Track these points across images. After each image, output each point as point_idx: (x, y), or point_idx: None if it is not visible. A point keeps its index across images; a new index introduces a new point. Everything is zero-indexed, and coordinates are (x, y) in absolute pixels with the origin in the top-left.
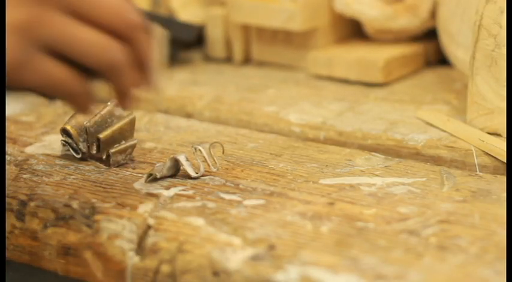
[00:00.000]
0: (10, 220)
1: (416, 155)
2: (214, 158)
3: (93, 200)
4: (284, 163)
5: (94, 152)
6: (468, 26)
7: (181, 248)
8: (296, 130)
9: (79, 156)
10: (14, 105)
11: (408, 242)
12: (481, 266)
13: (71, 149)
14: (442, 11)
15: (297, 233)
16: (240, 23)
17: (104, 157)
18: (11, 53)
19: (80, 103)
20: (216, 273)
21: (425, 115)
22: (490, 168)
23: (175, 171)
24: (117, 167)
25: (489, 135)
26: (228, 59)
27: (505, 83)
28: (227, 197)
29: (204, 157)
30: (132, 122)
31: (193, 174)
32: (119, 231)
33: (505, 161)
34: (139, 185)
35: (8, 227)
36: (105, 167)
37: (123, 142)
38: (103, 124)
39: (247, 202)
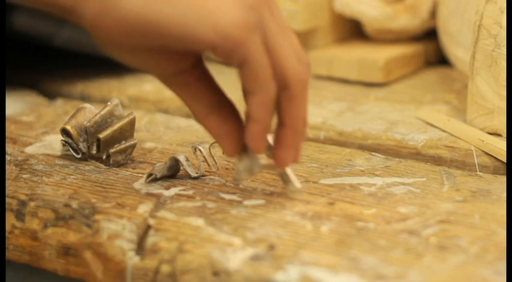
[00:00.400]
0: (10, 220)
1: (416, 155)
2: (214, 158)
3: (93, 200)
4: None
5: (94, 152)
6: (468, 26)
7: (181, 248)
8: None
9: (79, 156)
10: (14, 105)
11: (408, 242)
12: (481, 266)
13: (71, 149)
14: (442, 11)
15: (297, 233)
16: None
17: (104, 157)
18: (245, 13)
19: (266, 104)
20: (216, 273)
21: (425, 115)
22: (490, 168)
23: (175, 171)
24: (117, 167)
25: (489, 135)
26: None
27: (505, 83)
28: (227, 197)
29: (204, 157)
30: (132, 122)
31: (193, 174)
32: (119, 231)
33: (505, 161)
34: (139, 185)
35: (8, 227)
36: (105, 167)
37: (123, 142)
38: (103, 124)
39: (247, 202)
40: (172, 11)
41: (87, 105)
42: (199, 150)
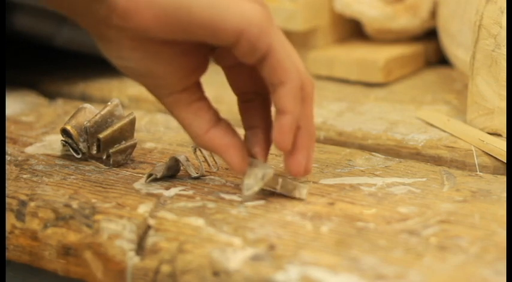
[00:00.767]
0: (10, 220)
1: (417, 155)
2: (214, 158)
3: (93, 200)
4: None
5: (94, 152)
6: (468, 26)
7: (182, 248)
8: None
9: (79, 156)
10: (14, 105)
11: (408, 242)
12: (481, 266)
13: (71, 149)
14: (442, 11)
15: (297, 233)
16: None
17: (104, 157)
18: (265, 8)
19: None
20: (216, 273)
21: (425, 115)
22: (490, 168)
23: (176, 171)
24: (117, 167)
25: (489, 135)
26: None
27: (505, 83)
28: (227, 197)
29: (204, 157)
30: (132, 122)
31: (193, 174)
32: (119, 231)
33: (505, 161)
34: (140, 185)
35: (8, 227)
36: (105, 167)
37: (123, 142)
38: (103, 124)
39: (247, 202)
40: None
41: (87, 105)
42: (199, 150)
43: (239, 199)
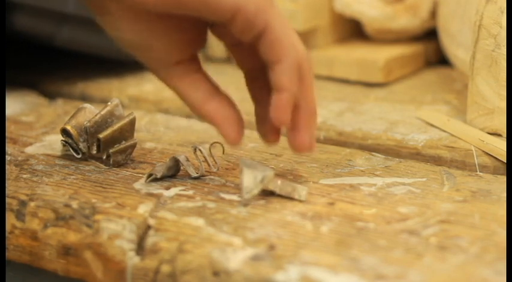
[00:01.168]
0: (10, 220)
1: (417, 155)
2: (215, 158)
3: (93, 200)
4: (284, 163)
5: (94, 152)
6: (468, 26)
7: (182, 248)
8: None
9: (79, 156)
10: (14, 105)
11: (408, 242)
12: (481, 266)
13: (71, 149)
14: (442, 11)
15: (297, 233)
16: None
17: (104, 157)
18: None
19: None
20: (216, 273)
21: (425, 115)
22: (490, 168)
23: (176, 171)
24: (117, 167)
25: (489, 135)
26: (228, 59)
27: (505, 83)
28: (227, 197)
29: (204, 157)
30: (132, 122)
31: (193, 174)
32: (119, 231)
33: (505, 161)
34: (140, 185)
35: (8, 227)
36: (105, 167)
37: (123, 142)
38: (103, 124)
39: (247, 205)
40: None
41: (87, 105)
42: (199, 150)
43: (239, 199)
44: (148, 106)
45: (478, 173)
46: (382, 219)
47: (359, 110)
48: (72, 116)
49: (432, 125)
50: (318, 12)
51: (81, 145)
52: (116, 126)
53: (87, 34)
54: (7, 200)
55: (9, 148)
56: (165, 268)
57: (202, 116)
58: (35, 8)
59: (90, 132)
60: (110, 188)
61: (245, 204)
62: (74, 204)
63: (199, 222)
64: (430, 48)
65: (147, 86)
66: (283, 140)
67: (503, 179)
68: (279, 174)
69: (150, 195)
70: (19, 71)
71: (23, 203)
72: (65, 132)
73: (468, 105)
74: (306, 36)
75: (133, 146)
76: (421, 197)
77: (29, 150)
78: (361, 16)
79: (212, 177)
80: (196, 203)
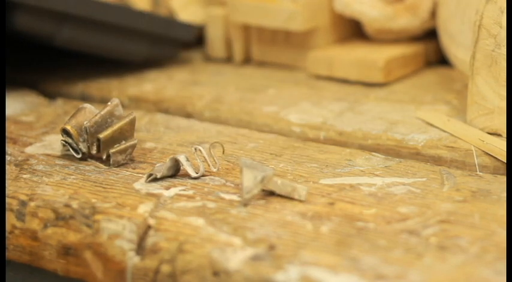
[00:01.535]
0: (10, 220)
1: (417, 155)
2: (215, 158)
3: (93, 200)
4: (284, 163)
5: (94, 152)
6: (468, 26)
7: (182, 248)
8: (296, 130)
9: (79, 156)
10: (14, 105)
11: (408, 242)
12: (481, 266)
13: (71, 149)
14: (442, 11)
15: (297, 233)
16: (240, 23)
17: (104, 157)
18: None
19: None
20: (216, 273)
21: (425, 115)
22: (490, 168)
23: (176, 171)
24: (117, 167)
25: (489, 135)
26: (228, 59)
27: (505, 83)
28: (227, 197)
29: (204, 157)
30: (132, 122)
31: (193, 174)
32: (119, 231)
33: (505, 161)
34: (140, 185)
35: (8, 227)
36: (105, 167)
37: (123, 142)
38: (103, 124)
39: (246, 205)
40: None
41: (87, 105)
42: (199, 150)
43: (239, 199)
44: (148, 106)
45: (478, 173)
46: (382, 219)
47: (359, 110)
48: (72, 116)
49: (432, 125)
50: (318, 12)
51: (81, 145)
52: (116, 126)
53: (87, 34)
54: (7, 200)
55: (9, 148)
56: (165, 268)
57: None
58: (35, 8)
59: (90, 132)
60: (110, 188)
61: (245, 204)
62: (74, 204)
63: (199, 222)
64: (430, 48)
65: (147, 86)
66: (283, 140)
67: (503, 179)
68: (279, 174)
69: (150, 195)
70: (19, 71)
71: (23, 203)
72: (65, 132)
73: (468, 105)
74: (306, 36)
75: (133, 146)
76: (421, 197)
77: (29, 150)
78: (361, 16)
79: (212, 177)
80: (196, 203)
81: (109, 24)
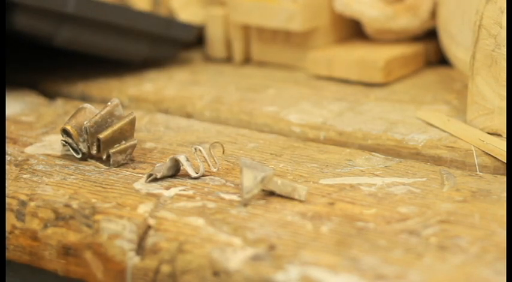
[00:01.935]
0: (10, 220)
1: (417, 155)
2: (215, 158)
3: (93, 200)
4: (284, 163)
5: (94, 152)
6: (468, 26)
7: (182, 248)
8: (296, 130)
9: (79, 156)
10: (14, 105)
11: (408, 242)
12: (481, 266)
13: (71, 149)
14: (442, 11)
15: (297, 233)
16: (240, 23)
17: (104, 157)
18: None
19: None
20: (216, 273)
21: (425, 115)
22: (490, 168)
23: (176, 171)
24: (117, 167)
25: (489, 135)
26: (228, 59)
27: (505, 83)
28: (227, 197)
29: (204, 157)
30: (132, 122)
31: (193, 174)
32: (119, 231)
33: (505, 161)
34: (140, 185)
35: (8, 227)
36: (105, 167)
37: (123, 142)
38: (103, 124)
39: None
40: None
41: (87, 105)
42: (199, 150)
43: (239, 199)
44: (148, 106)
45: (478, 173)
46: (382, 219)
47: (359, 110)
48: (72, 116)
49: (432, 125)
50: (318, 12)
51: (81, 145)
52: (116, 126)
53: (87, 34)
54: (7, 200)
55: (9, 148)
56: (165, 268)
57: None
58: (35, 8)
59: (90, 132)
60: (110, 188)
61: (245, 204)
62: (74, 204)
63: (199, 222)
64: (430, 48)
65: (147, 86)
66: (283, 140)
67: (503, 179)
68: (279, 174)
69: (150, 195)
70: (19, 71)
71: (23, 203)
72: (65, 132)
73: (468, 105)
74: (306, 36)
75: (133, 146)
76: (421, 197)
77: (29, 150)
78: (361, 16)
79: (212, 177)
80: (196, 203)
81: (109, 24)
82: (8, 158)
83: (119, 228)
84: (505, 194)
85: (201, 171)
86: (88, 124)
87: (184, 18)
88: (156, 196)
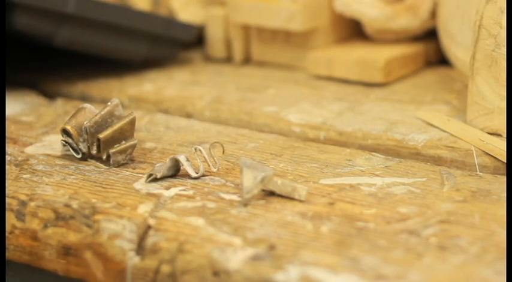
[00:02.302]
0: (10, 220)
1: (417, 155)
2: (215, 158)
3: (93, 200)
4: (284, 163)
5: (94, 152)
6: (468, 26)
7: (182, 248)
8: (296, 130)
9: (79, 156)
10: (14, 105)
11: (408, 242)
12: (481, 266)
13: (71, 149)
14: (442, 11)
15: (297, 233)
16: (240, 23)
17: (104, 157)
18: None
19: None
20: (216, 273)
21: (425, 115)
22: (490, 168)
23: (176, 171)
24: (117, 167)
25: (489, 135)
26: (228, 59)
27: (505, 83)
28: (227, 197)
29: (204, 157)
30: (132, 122)
31: (193, 174)
32: (119, 231)
33: (505, 161)
34: (140, 185)
35: (8, 227)
36: (105, 167)
37: (123, 142)
38: (103, 124)
39: (247, 205)
40: None
41: (87, 105)
42: (200, 150)
43: (239, 199)
44: (148, 106)
45: (478, 173)
46: (382, 219)
47: (359, 110)
48: (72, 116)
49: (432, 125)
50: (318, 12)
51: (81, 145)
52: (116, 126)
53: (87, 34)
54: (7, 200)
55: (9, 148)
56: (165, 268)
57: None
58: (35, 8)
59: (90, 132)
60: (110, 188)
61: (245, 204)
62: (74, 204)
63: (199, 222)
64: (430, 48)
65: (147, 86)
66: (283, 140)
67: (503, 179)
68: (279, 174)
69: (150, 195)
70: (19, 71)
71: (23, 203)
72: (65, 132)
73: (468, 105)
74: (306, 36)
75: (133, 146)
76: (421, 197)
77: (29, 150)
78: (361, 16)
79: (212, 177)
80: (196, 203)
81: (109, 24)
82: (8, 158)
83: (119, 228)
84: (505, 194)
85: (201, 171)
86: (88, 124)
87: (184, 18)
88: (156, 196)
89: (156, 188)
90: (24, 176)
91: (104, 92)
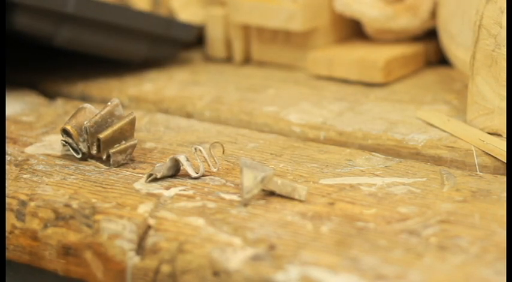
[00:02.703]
0: (10, 220)
1: (417, 155)
2: (215, 158)
3: (93, 200)
4: (284, 163)
5: (94, 152)
6: (468, 26)
7: (182, 248)
8: (296, 130)
9: (79, 156)
10: (14, 105)
11: (408, 242)
12: (481, 266)
13: (71, 149)
14: (442, 11)
15: (297, 233)
16: (240, 23)
17: (104, 157)
18: None
19: None
20: (216, 273)
21: (425, 115)
22: (490, 168)
23: (176, 171)
24: (117, 167)
25: (489, 135)
26: (228, 59)
27: (505, 83)
28: (227, 197)
29: (204, 157)
30: (132, 122)
31: (193, 174)
32: (119, 231)
33: (505, 161)
34: (140, 185)
35: (8, 227)
36: (105, 167)
37: (124, 142)
38: (103, 124)
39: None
40: None
41: (87, 105)
42: (200, 150)
43: (239, 199)
44: (148, 106)
45: (478, 173)
46: (382, 219)
47: (359, 110)
48: (72, 116)
49: (432, 125)
50: (318, 12)
51: (81, 145)
52: (116, 126)
53: (87, 34)
54: (7, 200)
55: (9, 148)
56: (165, 268)
57: None
58: (35, 8)
59: (90, 132)
60: (110, 188)
61: (245, 204)
62: (74, 204)
63: (199, 222)
64: (430, 48)
65: (147, 86)
66: (283, 140)
67: (503, 179)
68: (279, 174)
69: (150, 195)
70: (19, 71)
71: (23, 203)
72: (65, 132)
73: (468, 105)
74: (306, 36)
75: (133, 146)
76: (421, 197)
77: (29, 150)
78: (361, 16)
79: (212, 177)
80: (196, 203)
81: (109, 24)
82: (8, 158)
83: (119, 228)
84: (505, 194)
85: (201, 171)
86: (88, 124)
87: (184, 18)
88: (156, 196)
89: (156, 188)
90: (24, 176)
91: (104, 92)
